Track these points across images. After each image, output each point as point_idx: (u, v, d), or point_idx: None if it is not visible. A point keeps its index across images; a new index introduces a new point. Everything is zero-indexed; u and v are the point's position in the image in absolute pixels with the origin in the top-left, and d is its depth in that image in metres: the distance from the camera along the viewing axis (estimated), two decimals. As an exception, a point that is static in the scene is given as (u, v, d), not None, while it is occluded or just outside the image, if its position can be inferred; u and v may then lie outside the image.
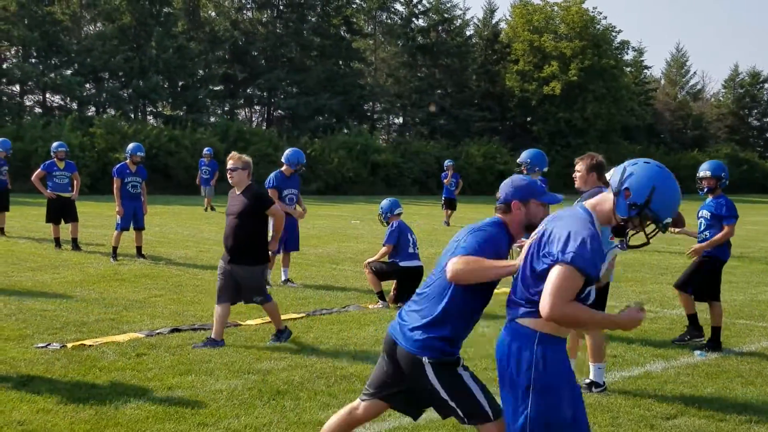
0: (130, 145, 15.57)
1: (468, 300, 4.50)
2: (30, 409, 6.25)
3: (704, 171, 9.22)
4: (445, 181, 25.82)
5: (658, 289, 13.27)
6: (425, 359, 4.49)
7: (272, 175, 12.74)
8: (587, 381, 7.25)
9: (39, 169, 16.47)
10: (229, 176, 8.67)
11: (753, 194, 64.87)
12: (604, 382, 7.26)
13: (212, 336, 8.46)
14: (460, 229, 4.76)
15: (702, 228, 9.22)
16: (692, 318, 9.31)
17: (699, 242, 9.27)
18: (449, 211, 25.67)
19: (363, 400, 4.89)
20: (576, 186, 7.50)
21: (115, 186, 14.94)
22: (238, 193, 8.67)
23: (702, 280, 9.16)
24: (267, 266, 8.82)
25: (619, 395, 7.11)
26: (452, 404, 4.53)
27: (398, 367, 4.63)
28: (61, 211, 16.16)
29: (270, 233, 9.05)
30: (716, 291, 9.18)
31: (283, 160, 12.91)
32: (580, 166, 7.44)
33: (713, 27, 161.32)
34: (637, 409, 6.74)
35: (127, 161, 15.13)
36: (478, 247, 4.46)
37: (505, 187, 4.71)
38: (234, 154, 8.85)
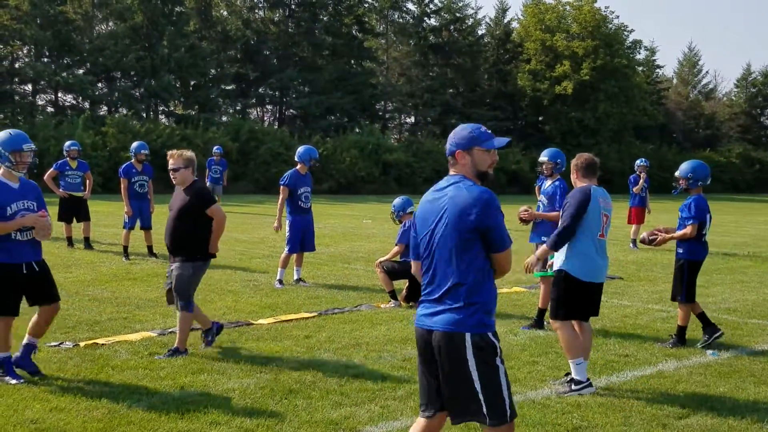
0: (134, 144, 15.51)
1: (486, 259, 4.46)
2: (43, 408, 6.27)
3: (678, 171, 9.27)
4: None
5: (670, 288, 13.20)
6: (468, 336, 4.36)
7: (287, 173, 12.74)
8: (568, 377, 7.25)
9: (51, 169, 16.48)
10: (172, 176, 8.19)
11: (765, 194, 64.60)
12: (587, 379, 7.14)
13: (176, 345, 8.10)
14: (436, 199, 4.56)
15: (677, 226, 9.27)
16: (681, 329, 9.24)
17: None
18: None
19: (426, 418, 4.63)
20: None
21: (122, 186, 14.96)
22: (182, 189, 8.23)
23: (678, 282, 9.16)
24: (202, 266, 8.14)
25: (631, 394, 7.10)
26: (480, 397, 4.37)
27: (435, 363, 4.48)
28: (73, 210, 16.19)
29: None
30: (690, 292, 9.15)
31: (296, 158, 12.91)
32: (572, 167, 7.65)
33: (726, 26, 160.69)
34: (649, 408, 6.72)
35: (133, 160, 15.13)
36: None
37: (449, 139, 4.64)
38: (174, 152, 8.32)
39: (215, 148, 29.03)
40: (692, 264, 9.11)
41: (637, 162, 20.29)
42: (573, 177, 7.60)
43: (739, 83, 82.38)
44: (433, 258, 4.52)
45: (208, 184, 28.13)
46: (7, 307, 6.98)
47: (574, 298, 7.29)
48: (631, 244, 19.11)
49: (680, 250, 9.14)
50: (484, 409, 4.39)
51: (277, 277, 12.47)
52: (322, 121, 51.71)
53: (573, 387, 7.05)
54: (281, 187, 12.61)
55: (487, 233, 4.40)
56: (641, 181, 19.54)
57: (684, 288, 9.07)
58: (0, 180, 7.05)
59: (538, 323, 9.82)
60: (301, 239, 12.64)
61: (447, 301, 4.43)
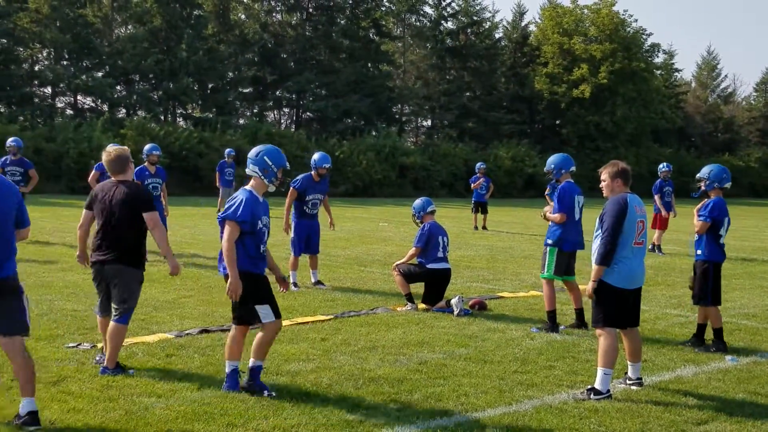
0: (147, 146, 15.12)
1: None
2: (61, 409, 6.29)
3: (699, 173, 9.60)
4: (474, 184, 25.21)
5: (689, 293, 13.12)
6: None
7: (301, 176, 12.71)
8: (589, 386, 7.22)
9: (93, 170, 16.05)
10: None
11: (785, 198, 64.15)
12: (608, 391, 7.10)
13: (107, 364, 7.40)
14: None
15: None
16: (717, 332, 9.23)
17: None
18: (482, 215, 24.96)
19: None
20: (604, 194, 7.55)
21: None
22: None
23: (704, 284, 9.23)
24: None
25: (649, 400, 7.05)
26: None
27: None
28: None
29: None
30: (716, 294, 9.28)
31: (312, 164, 12.82)
32: (604, 175, 7.60)
33: (745, 30, 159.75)
34: (667, 414, 6.68)
35: (146, 163, 14.79)
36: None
37: None
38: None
39: (228, 150, 28.63)
40: (716, 266, 9.25)
41: (660, 167, 20.04)
42: (611, 184, 7.52)
43: (758, 87, 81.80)
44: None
45: (221, 188, 27.80)
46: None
47: (611, 305, 7.30)
48: (651, 247, 19.00)
49: (699, 252, 9.29)
50: None
51: (291, 281, 12.45)
52: (338, 124, 51.73)
53: (592, 396, 7.02)
54: (291, 188, 12.59)
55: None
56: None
57: (710, 291, 9.15)
58: (254, 193, 7.00)
59: (580, 323, 10.04)
60: (306, 243, 12.63)
61: None
